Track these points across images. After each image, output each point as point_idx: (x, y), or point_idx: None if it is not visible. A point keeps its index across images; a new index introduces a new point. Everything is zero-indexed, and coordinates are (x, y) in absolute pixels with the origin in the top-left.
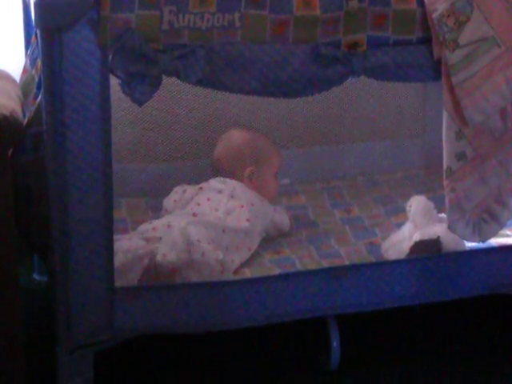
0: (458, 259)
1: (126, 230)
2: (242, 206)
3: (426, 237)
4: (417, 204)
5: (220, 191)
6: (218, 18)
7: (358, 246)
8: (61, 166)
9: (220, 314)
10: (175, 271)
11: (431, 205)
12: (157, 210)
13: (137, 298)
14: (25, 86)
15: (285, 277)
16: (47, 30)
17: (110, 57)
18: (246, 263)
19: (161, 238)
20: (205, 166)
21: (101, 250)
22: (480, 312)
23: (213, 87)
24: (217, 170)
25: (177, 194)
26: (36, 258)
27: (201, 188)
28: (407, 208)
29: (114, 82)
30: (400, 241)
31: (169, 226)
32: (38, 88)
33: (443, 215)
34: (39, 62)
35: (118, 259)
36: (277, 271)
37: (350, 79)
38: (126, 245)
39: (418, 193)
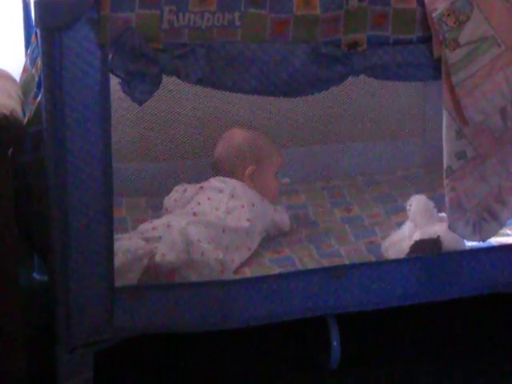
0: (458, 258)
1: (126, 230)
2: (243, 206)
3: (426, 236)
4: (417, 203)
5: (221, 190)
6: (218, 18)
7: (358, 245)
8: (61, 166)
9: (220, 313)
10: (174, 271)
11: (431, 204)
12: (157, 210)
13: (137, 297)
14: (25, 86)
15: (285, 276)
16: (47, 30)
17: (110, 56)
18: (246, 263)
19: (160, 238)
20: (205, 165)
21: (101, 250)
22: (480, 311)
23: (213, 86)
24: (217, 169)
25: (177, 193)
26: (36, 257)
27: (201, 187)
28: (407, 207)
29: (114, 81)
30: (400, 240)
31: (168, 225)
32: (38, 87)
33: (443, 214)
34: (39, 62)
35: (118, 259)
36: (277, 270)
37: (350, 78)
38: (126, 244)
39: (418, 192)
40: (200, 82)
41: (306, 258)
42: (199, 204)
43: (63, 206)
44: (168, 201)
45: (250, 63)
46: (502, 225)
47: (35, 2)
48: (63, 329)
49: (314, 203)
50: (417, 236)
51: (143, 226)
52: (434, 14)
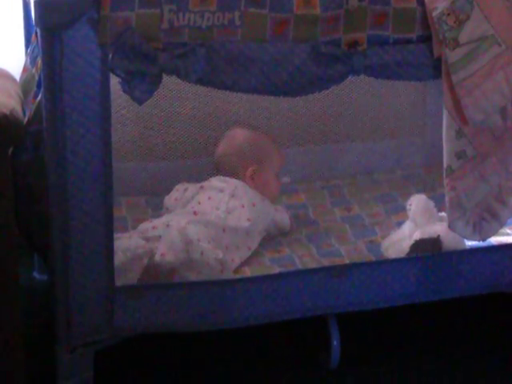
0: (458, 258)
1: (126, 229)
2: (243, 206)
3: (426, 235)
4: (417, 203)
5: (221, 190)
6: (218, 17)
7: (358, 244)
8: (61, 165)
9: (220, 312)
10: (174, 271)
11: (431, 203)
12: (157, 209)
13: (137, 296)
14: (25, 85)
15: (285, 276)
16: (47, 29)
17: (110, 55)
18: (246, 262)
19: (160, 237)
20: (205, 165)
21: (101, 249)
22: (480, 311)
23: (213, 86)
24: (218, 169)
25: (178, 192)
26: (36, 256)
27: (202, 187)
28: (407, 207)
29: (115, 80)
30: (400, 239)
31: (168, 225)
32: (38, 87)
33: (443, 214)
34: (39, 61)
35: (118, 258)
36: (277, 270)
37: (350, 78)
38: (126, 244)
39: (418, 191)
40: (200, 81)
41: (306, 257)
42: (199, 203)
43: (63, 206)
44: (168, 200)
45: (250, 63)
46: (502, 224)
47: (35, 2)
48: (63, 328)
49: (314, 203)
50: (417, 235)
51: (143, 226)
52: (434, 14)
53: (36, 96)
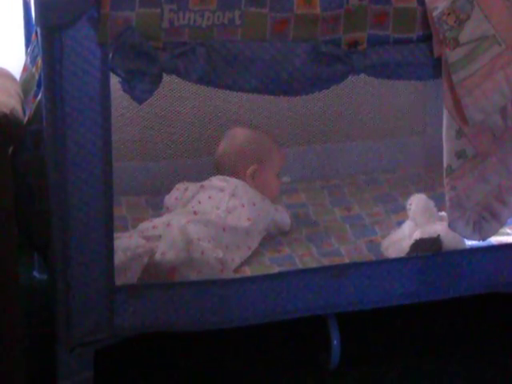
0: (458, 257)
1: (126, 228)
2: (244, 205)
3: (426, 235)
4: (417, 202)
5: (221, 189)
6: (219, 16)
7: (358, 244)
8: (61, 164)
9: (220, 312)
10: (174, 270)
11: (431, 203)
12: (157, 208)
13: (137, 296)
14: (25, 84)
15: (285, 275)
16: (47, 28)
17: (111, 55)
18: (246, 261)
19: (160, 237)
20: (205, 164)
21: (101, 249)
22: (480, 311)
23: (213, 85)
24: (219, 168)
25: (178, 191)
26: (36, 255)
27: (202, 186)
28: (407, 206)
29: (115, 80)
30: (400, 239)
31: (168, 224)
32: (39, 86)
33: (443, 213)
34: (39, 60)
35: (118, 257)
36: (277, 270)
37: (350, 77)
38: (126, 243)
39: (418, 191)
40: (200, 80)
41: (306, 257)
42: (200, 203)
43: (63, 205)
44: (169, 199)
45: (251, 62)
46: (502, 224)
47: (35, 1)
48: (63, 327)
49: (314, 202)
50: (417, 235)
51: (143, 225)
52: (434, 13)
53: (36, 95)
